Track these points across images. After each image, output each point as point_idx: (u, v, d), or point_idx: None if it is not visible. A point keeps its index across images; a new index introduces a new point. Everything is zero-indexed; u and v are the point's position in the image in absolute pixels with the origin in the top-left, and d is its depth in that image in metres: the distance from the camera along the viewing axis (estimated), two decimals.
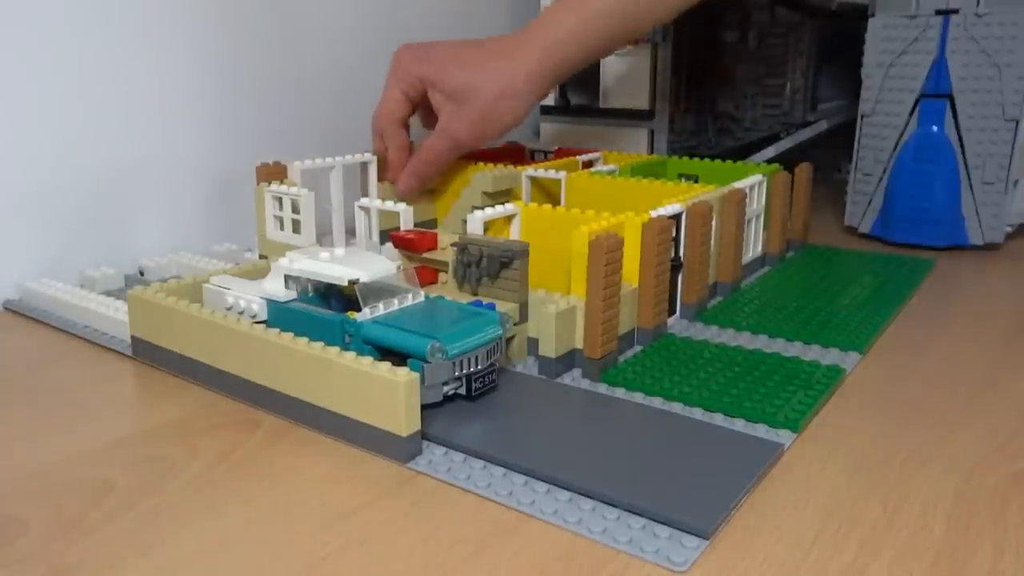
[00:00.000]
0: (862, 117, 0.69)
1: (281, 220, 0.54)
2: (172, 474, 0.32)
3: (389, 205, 0.49)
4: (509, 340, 0.40)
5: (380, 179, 0.61)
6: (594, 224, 0.42)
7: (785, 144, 0.91)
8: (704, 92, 0.89)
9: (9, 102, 0.52)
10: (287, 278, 0.40)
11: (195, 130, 0.61)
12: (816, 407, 0.36)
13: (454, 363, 0.34)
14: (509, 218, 0.47)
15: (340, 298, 0.39)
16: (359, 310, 0.36)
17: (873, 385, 0.40)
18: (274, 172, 0.55)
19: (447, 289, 0.44)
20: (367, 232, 0.52)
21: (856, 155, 0.70)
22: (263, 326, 0.37)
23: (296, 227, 0.53)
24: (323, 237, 0.55)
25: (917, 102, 0.65)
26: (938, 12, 0.63)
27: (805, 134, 0.96)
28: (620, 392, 0.38)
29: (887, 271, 0.58)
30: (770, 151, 0.88)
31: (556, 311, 0.39)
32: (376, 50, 0.75)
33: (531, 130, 0.93)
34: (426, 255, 0.46)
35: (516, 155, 0.75)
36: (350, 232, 0.57)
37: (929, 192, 0.65)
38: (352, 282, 0.37)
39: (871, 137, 0.69)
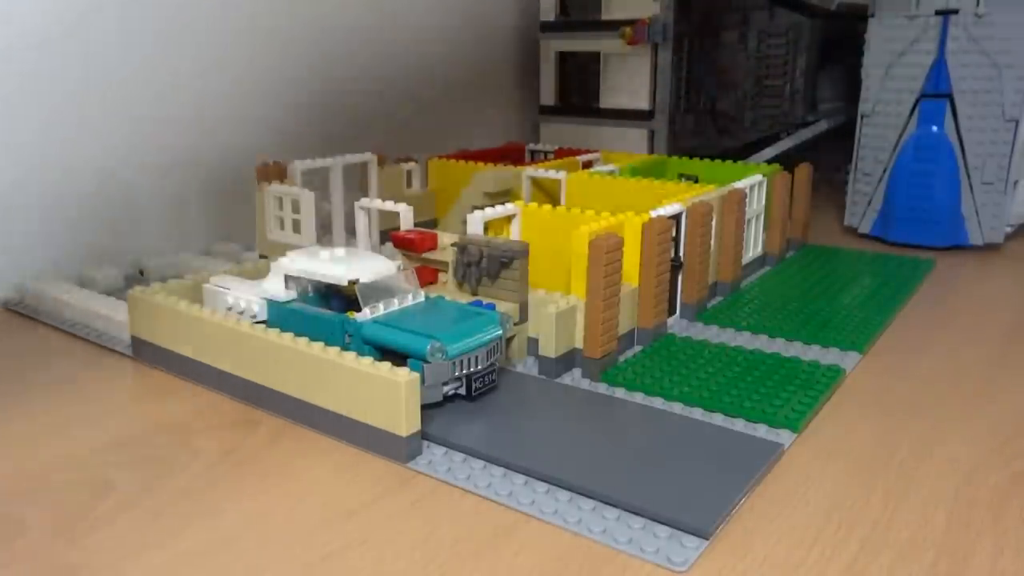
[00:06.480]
0: (862, 117, 0.69)
1: (281, 220, 0.54)
2: (172, 474, 0.32)
3: (389, 205, 0.49)
4: (509, 340, 0.40)
5: None
6: (594, 224, 0.42)
7: (785, 144, 0.91)
8: (704, 92, 0.89)
9: (9, 102, 0.52)
10: (287, 278, 0.40)
11: (195, 130, 0.61)
12: (816, 407, 0.36)
13: (454, 363, 0.34)
14: (509, 218, 0.47)
15: (340, 298, 0.39)
16: (359, 310, 0.36)
17: (873, 385, 0.40)
18: (274, 172, 0.55)
19: (447, 289, 0.44)
20: (367, 232, 0.52)
21: (856, 155, 0.70)
22: (263, 326, 0.37)
23: (296, 227, 0.53)
24: (323, 237, 0.55)
25: (917, 102, 0.65)
26: (938, 12, 0.63)
27: (805, 134, 0.96)
28: (620, 392, 0.38)
29: (887, 271, 0.58)
30: (770, 151, 0.88)
31: (556, 311, 0.39)
32: (376, 50, 0.75)
33: (531, 130, 0.93)
34: (426, 255, 0.46)
35: (516, 155, 0.75)
36: (350, 232, 0.57)
37: (929, 192, 0.65)
38: (352, 282, 0.37)
39: (871, 137, 0.68)
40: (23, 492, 0.30)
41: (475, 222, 0.44)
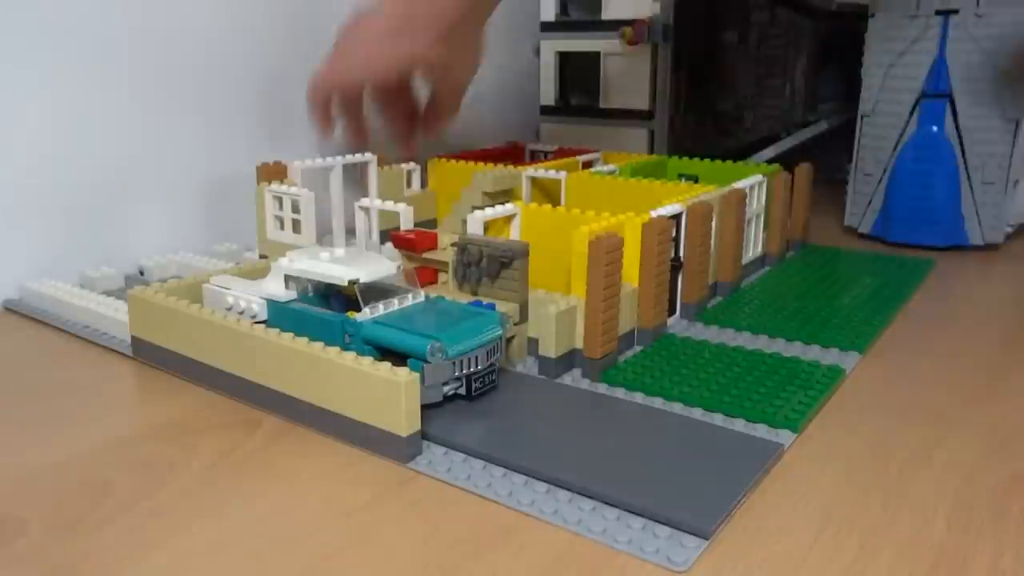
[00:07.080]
0: (862, 117, 0.69)
1: (281, 220, 0.54)
2: (172, 474, 0.32)
3: (389, 205, 0.50)
4: (509, 340, 0.40)
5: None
6: (594, 224, 0.42)
7: (785, 144, 0.91)
8: (704, 92, 0.89)
9: (9, 102, 0.52)
10: (287, 278, 0.40)
11: (195, 130, 0.61)
12: (816, 407, 0.36)
13: (454, 363, 0.34)
14: (509, 218, 0.47)
15: (340, 298, 0.39)
16: (359, 310, 0.36)
17: (873, 385, 0.40)
18: (274, 172, 0.55)
19: (447, 289, 0.44)
20: (367, 232, 0.52)
21: (856, 155, 0.70)
22: (263, 326, 0.37)
23: (296, 227, 0.53)
24: (323, 237, 0.55)
25: (917, 102, 0.65)
26: (938, 12, 0.63)
27: (805, 134, 0.96)
28: (620, 392, 0.38)
29: (887, 271, 0.58)
30: (770, 151, 0.88)
31: (556, 311, 0.39)
32: None
33: (531, 130, 0.93)
34: (426, 255, 0.46)
35: (516, 155, 0.75)
36: (350, 232, 0.57)
37: (929, 192, 0.65)
38: (352, 282, 0.37)
39: (871, 137, 0.68)
40: (23, 492, 0.30)
41: (475, 222, 0.44)
